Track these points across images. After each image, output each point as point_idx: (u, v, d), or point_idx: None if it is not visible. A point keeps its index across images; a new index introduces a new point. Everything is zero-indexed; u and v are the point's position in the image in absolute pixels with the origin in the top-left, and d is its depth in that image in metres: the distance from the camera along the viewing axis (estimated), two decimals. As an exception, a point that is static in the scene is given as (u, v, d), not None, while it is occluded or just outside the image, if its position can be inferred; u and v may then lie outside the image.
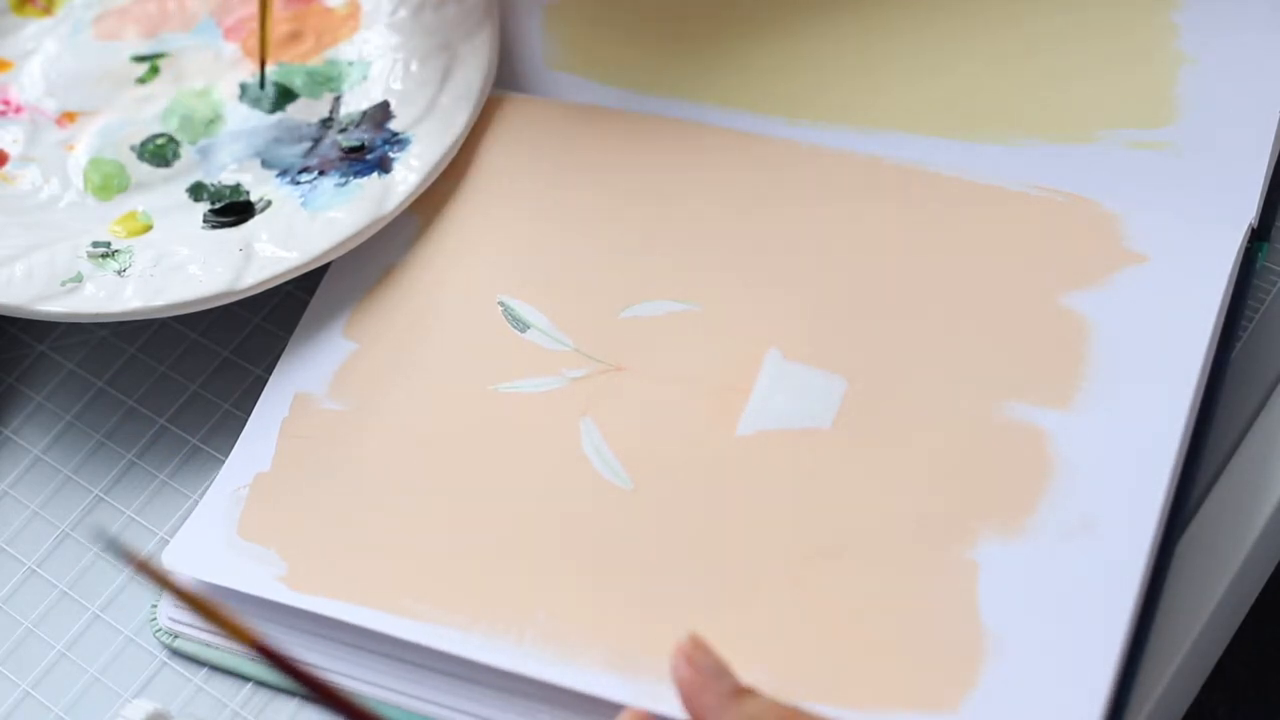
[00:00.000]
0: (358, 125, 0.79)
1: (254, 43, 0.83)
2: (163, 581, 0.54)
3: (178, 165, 0.79)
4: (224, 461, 0.72)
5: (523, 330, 0.72)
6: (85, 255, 0.75)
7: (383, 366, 0.72)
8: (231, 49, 0.83)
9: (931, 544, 0.64)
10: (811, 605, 0.63)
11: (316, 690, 0.57)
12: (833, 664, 0.62)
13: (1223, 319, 0.67)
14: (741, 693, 0.59)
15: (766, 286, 0.71)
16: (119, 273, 0.74)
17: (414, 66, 0.80)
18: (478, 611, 0.65)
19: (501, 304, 0.73)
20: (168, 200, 0.78)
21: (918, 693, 0.61)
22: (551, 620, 0.64)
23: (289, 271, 0.74)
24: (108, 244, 0.76)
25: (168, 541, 0.70)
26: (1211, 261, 0.68)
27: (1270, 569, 0.69)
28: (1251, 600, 0.69)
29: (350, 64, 0.81)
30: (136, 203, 0.78)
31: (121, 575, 0.72)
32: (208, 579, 0.68)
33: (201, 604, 0.54)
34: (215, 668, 0.69)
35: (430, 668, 0.66)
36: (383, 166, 0.77)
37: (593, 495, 0.67)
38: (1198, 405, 0.65)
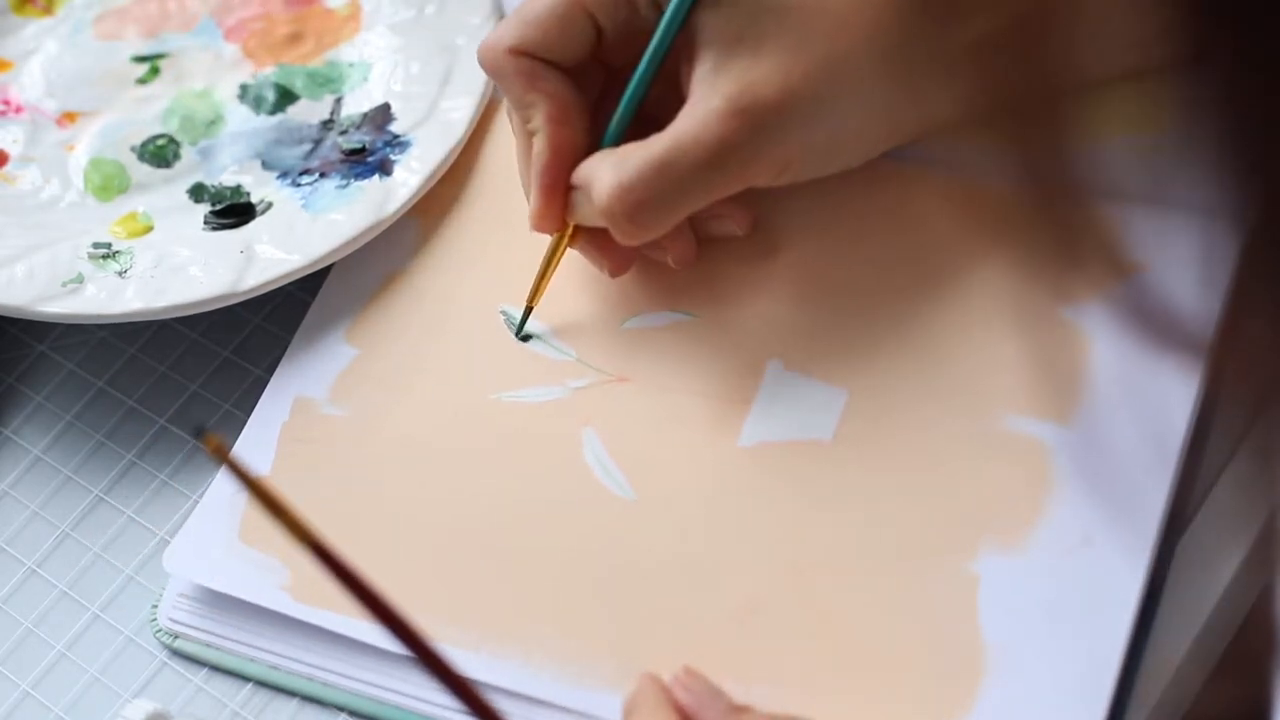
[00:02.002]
0: (358, 127, 0.79)
1: (254, 44, 0.82)
2: (240, 473, 0.53)
3: (178, 166, 0.79)
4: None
5: (525, 339, 0.72)
6: (86, 256, 0.75)
7: (384, 373, 0.72)
8: (231, 50, 0.83)
9: (932, 557, 0.64)
10: (812, 618, 0.63)
11: (380, 615, 0.55)
12: (834, 678, 0.62)
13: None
14: (739, 709, 0.61)
15: (767, 296, 0.71)
16: (120, 274, 0.74)
17: (415, 68, 0.80)
18: (485, 628, 0.65)
19: (503, 313, 0.73)
20: (168, 201, 0.78)
21: (918, 707, 0.61)
22: (558, 637, 0.65)
23: (290, 274, 0.74)
24: (108, 245, 0.76)
25: (168, 542, 0.70)
26: (1211, 266, 0.68)
27: (1269, 570, 0.69)
28: (1250, 602, 0.69)
29: (351, 65, 0.81)
30: (137, 203, 0.78)
31: (122, 575, 0.72)
32: (210, 584, 0.68)
33: (266, 496, 0.53)
34: (215, 668, 0.69)
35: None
36: (384, 169, 0.76)
37: (596, 507, 0.67)
38: (1197, 415, 0.65)
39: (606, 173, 0.67)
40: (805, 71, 0.66)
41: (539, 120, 0.69)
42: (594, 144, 0.69)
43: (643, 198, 0.66)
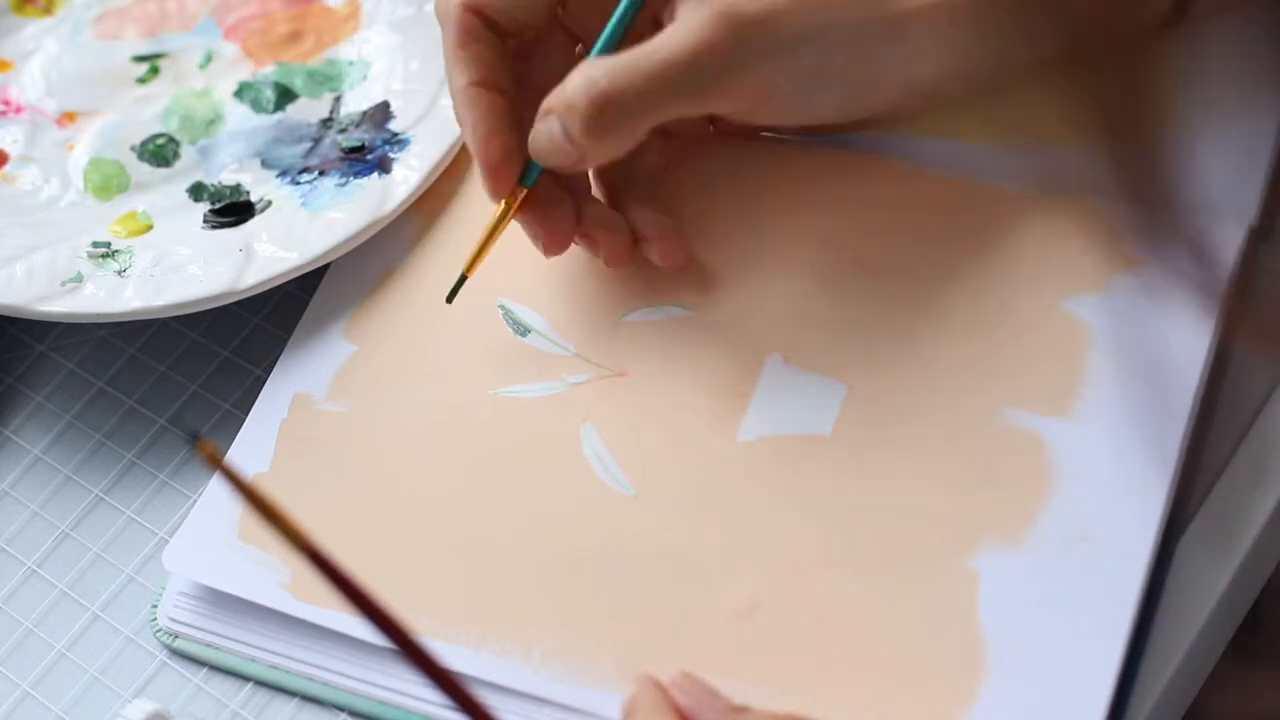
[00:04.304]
0: (358, 125, 0.79)
1: (254, 43, 0.83)
2: (233, 479, 0.53)
3: (178, 165, 0.79)
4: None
5: (523, 334, 0.72)
6: (85, 255, 0.75)
7: (383, 369, 0.72)
8: (231, 49, 0.83)
9: (931, 553, 0.64)
10: (812, 615, 0.63)
11: (376, 620, 0.54)
12: (834, 675, 0.62)
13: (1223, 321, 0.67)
14: (738, 709, 0.61)
15: (766, 291, 0.71)
16: (119, 273, 0.74)
17: (414, 66, 0.80)
18: (485, 626, 0.65)
19: (502, 307, 0.73)
20: (168, 200, 0.78)
21: (918, 704, 0.61)
22: (558, 635, 0.64)
23: (289, 272, 0.74)
24: (108, 244, 0.76)
25: (168, 542, 0.70)
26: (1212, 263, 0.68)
27: (1270, 569, 0.69)
28: (1251, 602, 0.69)
29: (350, 64, 0.81)
30: (137, 203, 0.78)
31: (122, 575, 0.72)
32: (210, 583, 0.68)
33: (260, 501, 0.52)
34: (215, 668, 0.69)
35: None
36: (383, 167, 0.77)
37: (595, 502, 0.67)
38: (1198, 409, 0.65)
39: (577, 73, 0.65)
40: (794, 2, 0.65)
41: (460, 81, 0.68)
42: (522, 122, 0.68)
43: (610, 91, 0.64)
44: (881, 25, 0.66)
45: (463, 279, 0.71)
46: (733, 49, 0.65)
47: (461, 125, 0.69)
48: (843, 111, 0.69)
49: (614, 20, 0.68)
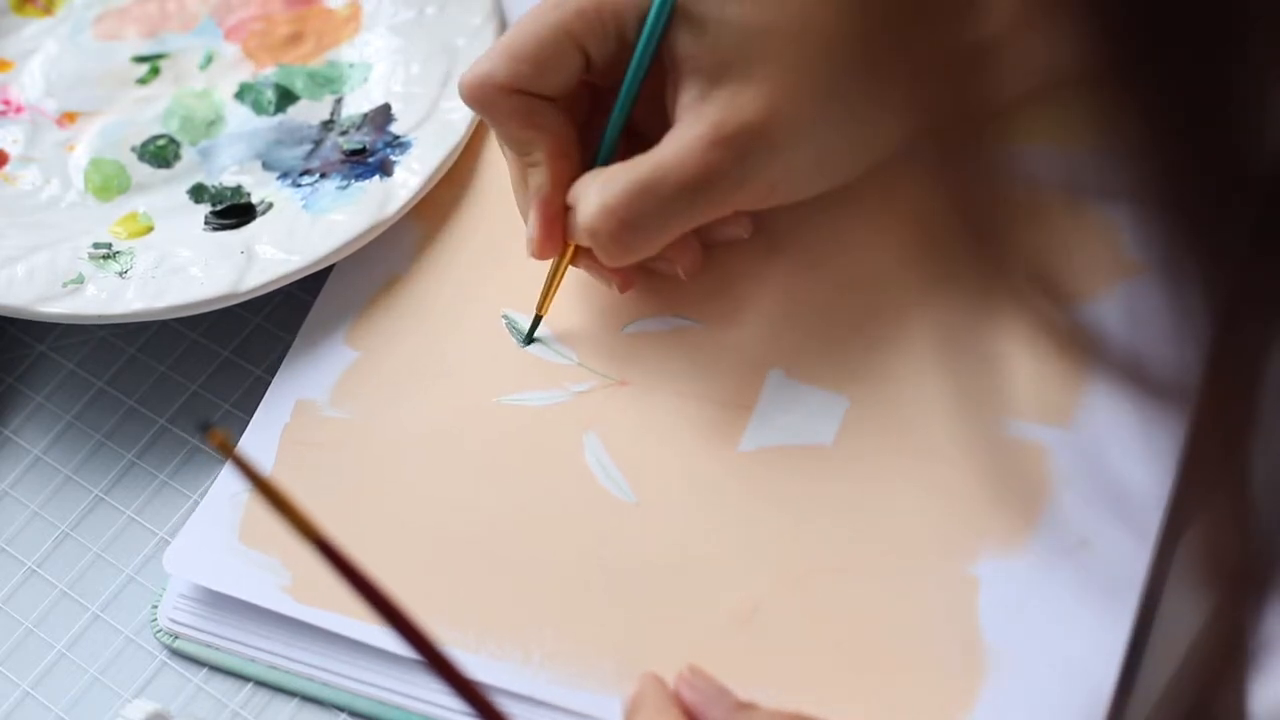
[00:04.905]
0: (359, 128, 0.79)
1: (254, 45, 0.82)
2: (245, 468, 0.52)
3: (178, 166, 0.79)
4: (224, 462, 0.72)
5: (526, 344, 0.72)
6: (86, 256, 0.75)
7: (385, 376, 0.72)
8: (232, 50, 0.83)
9: (932, 560, 0.64)
10: (813, 621, 0.64)
11: (383, 611, 0.54)
12: (834, 680, 0.62)
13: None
14: (744, 706, 0.61)
15: (769, 303, 0.71)
16: (121, 274, 0.74)
17: (415, 68, 0.80)
18: (485, 629, 0.65)
19: (505, 317, 0.73)
20: (169, 202, 0.78)
21: (917, 708, 0.61)
22: (558, 638, 0.65)
23: (291, 274, 0.74)
24: (109, 245, 0.76)
25: (168, 542, 0.70)
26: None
27: (1266, 572, 0.69)
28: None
29: (351, 66, 0.81)
30: (137, 204, 0.78)
31: (122, 575, 0.72)
32: (210, 585, 0.68)
33: (271, 491, 0.52)
34: (215, 668, 0.69)
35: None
36: (384, 170, 0.76)
37: (597, 508, 0.67)
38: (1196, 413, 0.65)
39: (593, 194, 0.67)
40: (791, 98, 0.65)
41: (539, 156, 0.69)
42: (586, 164, 0.69)
43: (626, 219, 0.66)
44: (875, 98, 0.66)
45: (538, 319, 0.72)
46: (736, 166, 0.66)
47: (526, 193, 0.70)
48: (850, 174, 0.70)
49: (608, 133, 0.70)
